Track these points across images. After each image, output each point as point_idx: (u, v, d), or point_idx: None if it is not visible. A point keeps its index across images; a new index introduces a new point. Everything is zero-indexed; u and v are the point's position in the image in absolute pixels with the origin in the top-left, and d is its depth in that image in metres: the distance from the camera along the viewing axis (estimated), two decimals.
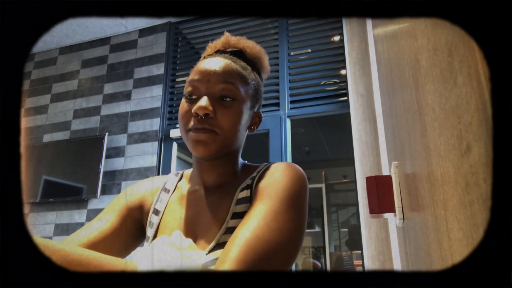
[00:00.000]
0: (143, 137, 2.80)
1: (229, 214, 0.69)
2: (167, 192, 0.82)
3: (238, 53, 0.82)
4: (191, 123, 0.71)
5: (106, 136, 2.81)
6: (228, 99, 0.72)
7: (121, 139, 2.85)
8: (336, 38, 2.61)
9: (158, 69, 2.95)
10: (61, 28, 3.10)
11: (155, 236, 0.75)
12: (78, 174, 2.80)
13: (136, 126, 2.85)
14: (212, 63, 0.75)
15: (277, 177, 0.68)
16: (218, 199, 0.74)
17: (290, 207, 0.63)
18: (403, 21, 0.49)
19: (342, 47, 2.44)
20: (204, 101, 0.70)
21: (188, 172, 0.87)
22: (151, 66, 2.98)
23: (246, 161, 0.84)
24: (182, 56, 3.10)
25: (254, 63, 0.83)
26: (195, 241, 0.69)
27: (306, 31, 2.68)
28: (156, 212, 0.78)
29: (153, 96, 2.88)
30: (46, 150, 2.97)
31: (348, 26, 2.34)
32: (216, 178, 0.78)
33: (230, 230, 0.66)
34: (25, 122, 3.16)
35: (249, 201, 0.69)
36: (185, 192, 0.80)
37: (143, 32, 3.12)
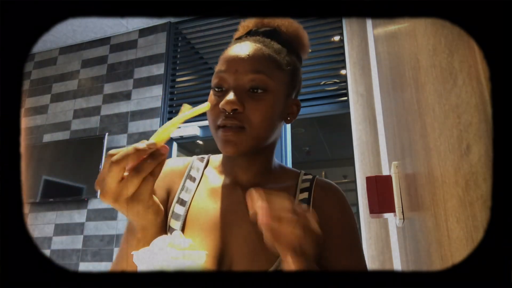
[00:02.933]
0: (143, 137, 2.80)
1: None
2: (193, 181, 0.74)
3: (272, 33, 0.73)
4: (220, 120, 0.65)
5: (106, 136, 2.81)
6: (259, 90, 0.65)
7: (121, 139, 2.85)
8: (336, 38, 2.61)
9: (158, 69, 2.95)
10: (61, 28, 3.10)
11: (183, 229, 0.68)
12: (78, 174, 2.80)
13: (136, 126, 2.85)
14: (240, 49, 0.67)
15: (343, 216, 0.69)
16: None
17: (359, 243, 0.68)
18: (403, 21, 0.49)
19: (342, 47, 2.44)
20: (231, 95, 0.64)
21: (215, 158, 0.79)
22: (151, 66, 2.98)
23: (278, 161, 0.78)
24: (182, 56, 3.10)
25: (291, 43, 0.75)
26: (236, 253, 0.65)
27: (306, 31, 2.67)
28: (182, 202, 0.71)
29: (153, 96, 2.88)
30: (46, 150, 2.97)
31: (348, 26, 2.34)
32: (252, 177, 0.72)
33: None
34: (25, 122, 3.16)
35: None
36: (216, 185, 0.73)
37: (143, 32, 3.12)
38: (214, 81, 0.68)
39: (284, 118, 0.73)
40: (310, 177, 0.74)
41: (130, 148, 0.49)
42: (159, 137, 0.52)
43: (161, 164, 0.51)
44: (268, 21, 0.75)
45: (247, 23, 0.77)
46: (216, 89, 0.68)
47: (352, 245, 0.66)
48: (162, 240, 0.48)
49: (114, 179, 0.48)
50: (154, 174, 0.51)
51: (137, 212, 0.53)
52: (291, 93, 0.73)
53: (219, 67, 0.69)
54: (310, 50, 0.81)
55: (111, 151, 0.50)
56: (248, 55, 0.66)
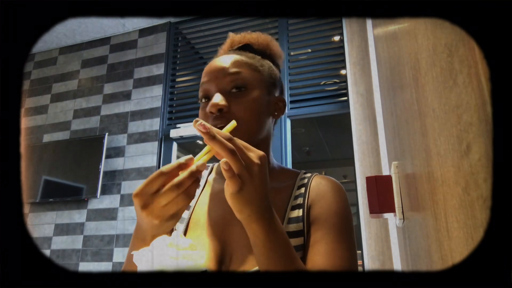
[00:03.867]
0: (143, 137, 2.80)
1: None
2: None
3: (245, 47, 0.80)
4: (209, 123, 0.68)
5: (106, 136, 2.81)
6: (239, 89, 0.70)
7: (121, 139, 2.85)
8: (336, 38, 2.61)
9: (158, 69, 2.95)
10: (61, 28, 3.10)
11: (185, 232, 0.72)
12: (78, 174, 2.80)
13: (136, 126, 2.85)
14: (217, 61, 0.74)
15: (333, 206, 0.69)
16: None
17: (350, 236, 0.67)
18: (403, 21, 0.49)
19: (342, 47, 2.44)
20: (215, 98, 0.68)
21: (218, 165, 0.83)
22: (151, 66, 2.98)
23: (278, 162, 0.80)
24: (182, 56, 3.10)
25: (263, 52, 0.81)
26: (235, 252, 0.66)
27: (306, 31, 2.68)
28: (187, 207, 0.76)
29: (153, 96, 2.88)
30: (46, 150, 2.97)
31: (348, 26, 2.34)
32: None
33: None
34: (25, 122, 3.16)
35: (302, 220, 0.68)
36: (217, 189, 0.76)
37: (143, 32, 3.12)
38: (200, 94, 0.74)
39: (272, 114, 0.76)
40: (309, 175, 0.76)
41: (186, 173, 0.49)
42: (204, 158, 0.53)
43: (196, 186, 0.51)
44: (239, 39, 0.82)
45: (222, 48, 0.84)
46: (203, 100, 0.73)
47: (339, 236, 0.66)
48: (162, 240, 0.48)
49: (167, 199, 0.48)
50: (191, 196, 0.51)
51: (159, 226, 0.52)
52: (272, 91, 0.77)
53: (202, 80, 0.74)
54: (283, 57, 0.86)
55: (165, 169, 0.49)
56: (224, 62, 0.72)
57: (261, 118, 0.72)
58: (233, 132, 0.66)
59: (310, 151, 5.52)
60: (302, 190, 0.72)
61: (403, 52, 0.51)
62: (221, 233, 0.68)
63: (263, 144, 0.74)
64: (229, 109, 0.68)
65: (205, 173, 0.82)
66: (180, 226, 0.72)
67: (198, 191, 0.78)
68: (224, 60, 0.73)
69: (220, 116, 0.67)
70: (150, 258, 0.46)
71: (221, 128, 0.66)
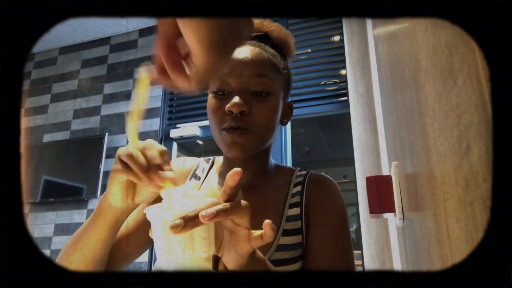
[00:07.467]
0: (143, 137, 2.76)
1: (279, 231, 0.67)
2: (197, 180, 0.77)
3: (265, 38, 0.75)
4: (225, 122, 0.66)
5: (106, 136, 2.81)
6: (263, 94, 0.67)
7: (121, 139, 2.84)
8: (336, 38, 2.61)
9: None
10: (61, 28, 3.10)
11: None
12: (78, 174, 2.80)
13: None
14: (241, 53, 0.68)
15: (331, 207, 0.70)
16: (258, 206, 0.69)
17: (347, 235, 0.69)
18: (403, 21, 0.49)
19: (342, 47, 2.44)
20: (238, 97, 0.65)
21: (219, 159, 0.80)
22: (151, 66, 2.98)
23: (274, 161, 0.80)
24: None
25: (280, 48, 0.77)
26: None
27: (306, 31, 2.68)
28: None
29: (153, 96, 2.88)
30: (46, 150, 2.97)
31: (348, 26, 2.34)
32: (248, 178, 0.73)
33: (281, 248, 0.66)
34: (25, 122, 3.16)
35: (300, 219, 0.68)
36: (215, 186, 0.75)
37: (143, 32, 3.12)
38: (215, 84, 0.68)
39: (281, 121, 0.75)
40: (304, 172, 0.76)
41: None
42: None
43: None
44: (258, 25, 0.76)
45: None
46: (219, 93, 0.68)
47: (338, 236, 0.67)
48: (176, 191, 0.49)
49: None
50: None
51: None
52: (287, 96, 0.75)
53: None
54: (295, 55, 0.84)
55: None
56: (251, 59, 0.67)
57: (275, 126, 0.71)
58: (247, 136, 0.65)
59: (310, 151, 5.52)
60: (299, 188, 0.72)
61: (403, 52, 0.51)
62: (218, 232, 0.69)
63: (265, 149, 0.74)
64: (250, 113, 0.66)
65: (206, 166, 0.80)
66: None
67: (198, 183, 0.76)
68: (250, 54, 0.68)
69: (239, 119, 0.65)
70: (162, 213, 0.45)
71: (239, 129, 0.65)
